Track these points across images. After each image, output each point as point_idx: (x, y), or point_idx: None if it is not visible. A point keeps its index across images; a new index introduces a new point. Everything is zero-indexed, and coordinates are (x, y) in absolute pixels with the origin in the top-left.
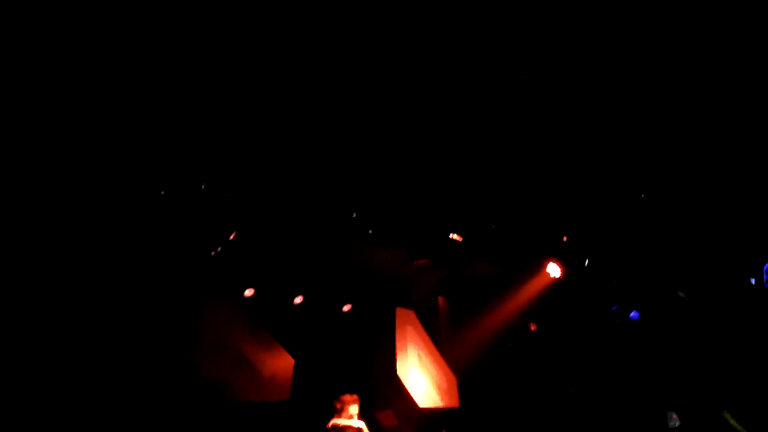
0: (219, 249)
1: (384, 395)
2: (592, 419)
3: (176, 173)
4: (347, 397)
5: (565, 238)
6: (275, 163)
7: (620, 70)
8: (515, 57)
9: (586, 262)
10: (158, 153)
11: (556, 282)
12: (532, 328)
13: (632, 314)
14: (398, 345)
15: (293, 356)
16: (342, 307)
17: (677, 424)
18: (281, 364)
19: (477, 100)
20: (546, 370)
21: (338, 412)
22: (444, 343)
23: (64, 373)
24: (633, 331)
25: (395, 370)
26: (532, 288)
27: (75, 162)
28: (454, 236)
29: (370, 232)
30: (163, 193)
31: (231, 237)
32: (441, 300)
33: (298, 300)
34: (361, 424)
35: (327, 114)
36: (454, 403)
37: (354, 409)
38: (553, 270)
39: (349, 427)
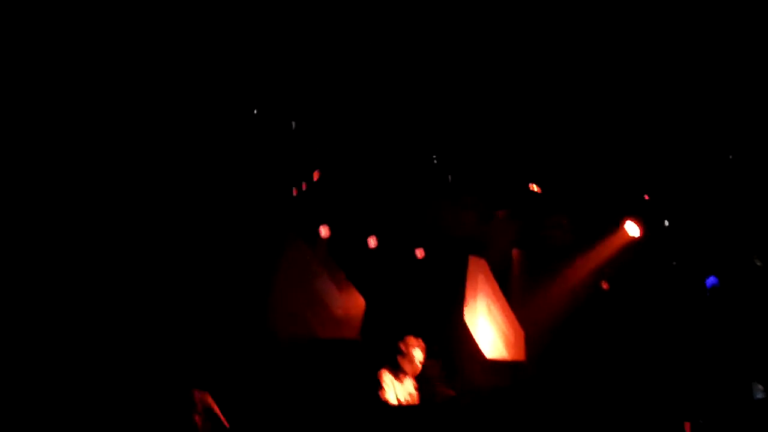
0: (303, 188)
1: (451, 343)
2: (664, 386)
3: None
4: (412, 340)
5: (646, 197)
6: (358, 104)
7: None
8: None
9: (666, 223)
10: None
11: (634, 242)
12: (604, 286)
13: (709, 280)
14: (468, 293)
15: (365, 297)
16: (415, 252)
17: (763, 395)
18: (353, 304)
19: (562, 47)
20: (615, 330)
21: (402, 355)
22: (515, 296)
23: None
24: (710, 298)
25: (463, 318)
26: (609, 246)
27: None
28: (534, 187)
29: (450, 178)
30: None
31: (315, 177)
32: (515, 252)
33: (373, 243)
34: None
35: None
36: (521, 356)
37: (418, 353)
38: (632, 229)
39: (404, 374)
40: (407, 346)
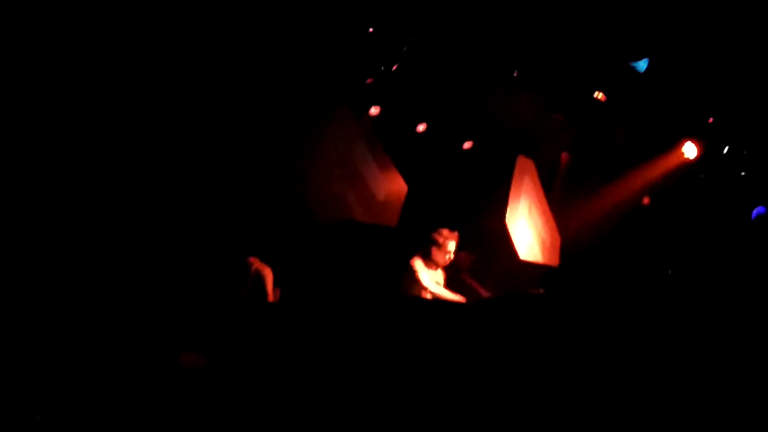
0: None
1: (487, 240)
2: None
3: None
4: (447, 233)
5: (711, 120)
6: None
7: None
8: None
9: (726, 149)
10: None
11: (690, 163)
12: (645, 202)
13: (757, 209)
14: (512, 193)
15: (407, 183)
16: (464, 143)
17: None
18: (394, 188)
19: None
20: (650, 247)
21: (437, 246)
22: (557, 201)
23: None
24: (754, 226)
25: (504, 217)
26: (663, 165)
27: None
28: (599, 95)
29: (515, 74)
30: None
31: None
32: (564, 157)
33: (422, 128)
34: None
35: None
36: (554, 262)
37: (452, 245)
38: (690, 150)
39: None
40: (442, 237)
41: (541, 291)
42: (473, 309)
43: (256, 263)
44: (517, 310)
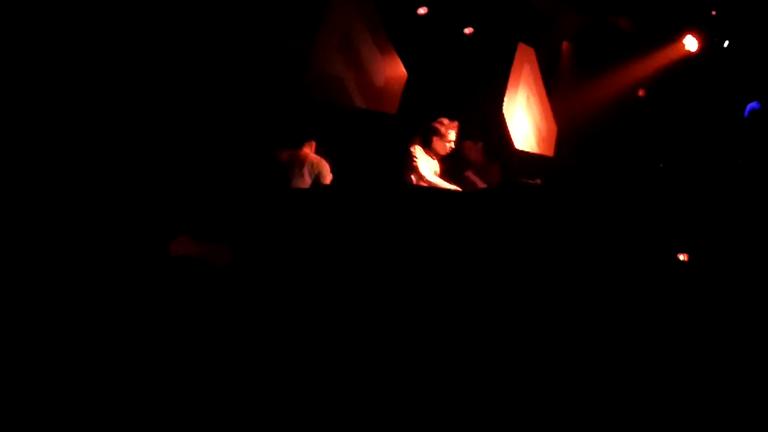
0: None
1: (484, 128)
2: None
3: None
4: (447, 122)
5: (714, 12)
6: None
7: None
8: None
9: (726, 43)
10: None
11: (690, 56)
12: (640, 93)
13: (751, 104)
14: (511, 81)
15: (407, 69)
16: (465, 28)
17: None
18: (394, 74)
19: None
20: (643, 139)
21: (438, 135)
22: (556, 91)
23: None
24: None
25: (501, 106)
26: (664, 56)
27: None
28: None
29: None
30: None
31: None
32: (566, 45)
33: (422, 11)
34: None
35: None
36: (549, 152)
37: (452, 134)
38: (690, 43)
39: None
40: (443, 126)
41: (539, 181)
42: (469, 198)
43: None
44: (513, 200)
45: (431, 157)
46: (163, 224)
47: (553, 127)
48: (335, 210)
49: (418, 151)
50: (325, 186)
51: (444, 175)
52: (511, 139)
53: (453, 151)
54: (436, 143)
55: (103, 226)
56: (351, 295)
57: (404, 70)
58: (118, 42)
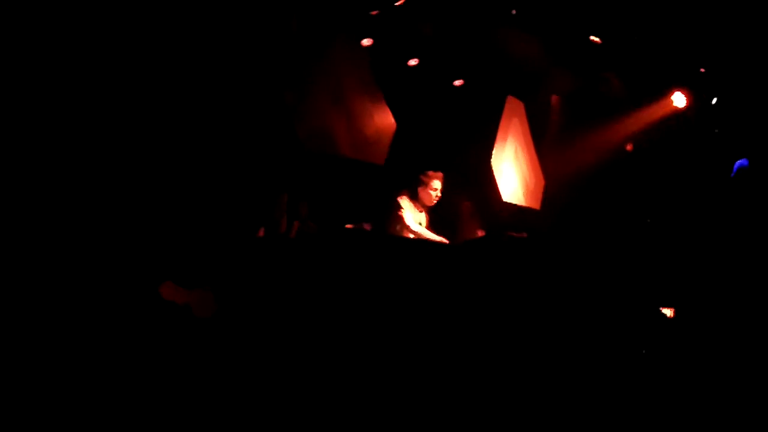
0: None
1: (471, 180)
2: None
3: None
4: (432, 173)
5: (702, 69)
6: None
7: None
8: None
9: (714, 100)
10: None
11: (678, 112)
12: (628, 148)
13: (739, 162)
14: (499, 134)
15: (397, 120)
16: (455, 80)
17: None
18: (384, 124)
19: None
20: (631, 194)
21: (422, 185)
22: (544, 144)
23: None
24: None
25: (490, 158)
26: (652, 112)
27: None
28: (595, 39)
29: (514, 12)
30: None
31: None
32: (555, 99)
33: (413, 62)
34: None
35: None
36: (536, 205)
37: (437, 184)
38: (679, 100)
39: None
40: (428, 177)
41: (525, 235)
42: (455, 250)
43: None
44: (500, 253)
45: (418, 209)
46: (151, 266)
47: (541, 181)
48: (322, 258)
49: (404, 201)
50: (313, 234)
51: (430, 227)
52: (498, 191)
53: (440, 202)
54: (422, 194)
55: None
56: (337, 344)
57: (393, 121)
58: (112, 58)
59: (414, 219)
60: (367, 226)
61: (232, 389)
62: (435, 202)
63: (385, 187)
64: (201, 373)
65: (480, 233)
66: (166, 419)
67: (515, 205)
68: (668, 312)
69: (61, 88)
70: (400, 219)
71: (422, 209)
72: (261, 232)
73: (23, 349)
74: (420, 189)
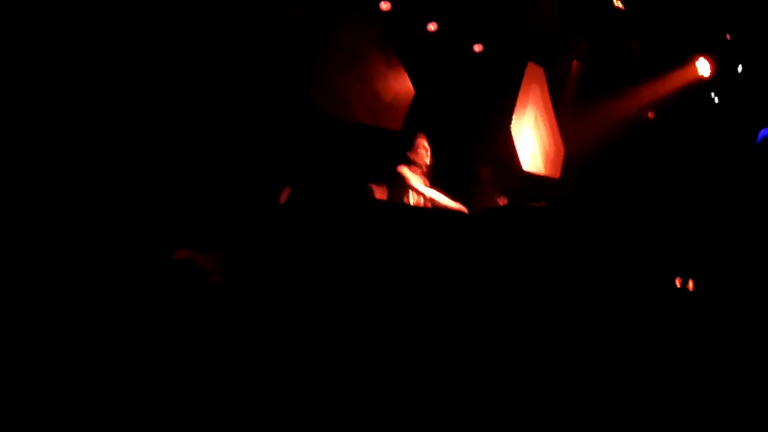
0: None
1: (490, 147)
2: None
3: None
4: (415, 135)
5: (728, 36)
6: None
7: None
8: None
9: (740, 67)
10: None
11: (702, 81)
12: (650, 116)
13: (764, 131)
14: (519, 100)
15: (415, 86)
16: (474, 45)
17: None
18: (401, 90)
19: None
20: (651, 163)
21: (410, 149)
22: (565, 111)
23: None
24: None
25: (509, 125)
26: (675, 80)
27: None
28: (617, 3)
29: None
30: None
31: None
32: (575, 65)
33: (432, 27)
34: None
35: None
36: (556, 174)
37: (423, 142)
38: (703, 67)
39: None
40: (412, 140)
41: (543, 204)
42: (474, 219)
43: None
44: (519, 222)
45: (417, 173)
46: (163, 233)
47: (561, 149)
48: (337, 226)
49: (405, 170)
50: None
51: (445, 192)
52: (518, 158)
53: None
54: (414, 157)
55: (102, 231)
56: (350, 313)
57: (411, 87)
58: (116, 47)
59: (421, 183)
60: (379, 195)
61: (240, 370)
62: (428, 160)
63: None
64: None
65: (501, 201)
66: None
67: (534, 173)
68: (684, 283)
69: (74, 85)
70: (412, 188)
71: (420, 172)
72: (283, 198)
73: (26, 327)
74: (409, 153)
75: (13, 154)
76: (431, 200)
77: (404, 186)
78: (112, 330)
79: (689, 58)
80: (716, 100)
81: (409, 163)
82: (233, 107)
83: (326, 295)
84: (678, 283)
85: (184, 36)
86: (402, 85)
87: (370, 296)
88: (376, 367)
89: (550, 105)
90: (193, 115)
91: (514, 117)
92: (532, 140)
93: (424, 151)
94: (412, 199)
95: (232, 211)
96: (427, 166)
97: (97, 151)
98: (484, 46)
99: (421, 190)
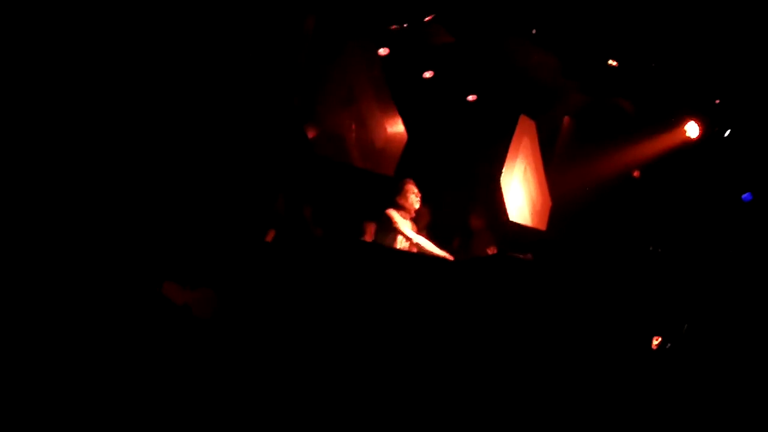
0: None
1: (478, 198)
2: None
3: None
4: (404, 181)
5: (717, 101)
6: None
7: None
8: None
9: (728, 132)
10: None
11: (690, 143)
12: (636, 175)
13: (744, 196)
14: (510, 152)
15: (408, 131)
16: (468, 95)
17: None
18: (395, 136)
19: None
20: (637, 222)
21: (398, 193)
22: (553, 165)
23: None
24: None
25: (499, 176)
26: (663, 141)
27: None
28: (612, 62)
29: (534, 32)
30: None
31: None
32: (566, 120)
33: (428, 74)
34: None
35: None
36: (542, 226)
37: (412, 188)
38: (692, 130)
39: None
40: (402, 185)
41: (530, 256)
42: (458, 267)
43: None
44: (504, 272)
45: (405, 218)
46: (151, 265)
47: (548, 202)
48: (325, 267)
49: (394, 214)
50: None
51: (431, 238)
52: (505, 209)
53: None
54: (403, 202)
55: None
56: (333, 353)
57: (404, 132)
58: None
59: (408, 229)
60: (368, 237)
61: (229, 390)
62: (417, 205)
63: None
64: (199, 374)
65: (490, 251)
66: (164, 419)
67: (521, 225)
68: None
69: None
70: (399, 231)
71: (408, 217)
72: (270, 236)
73: (22, 353)
74: (399, 198)
75: (10, 160)
76: (417, 245)
77: (392, 229)
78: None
79: (679, 120)
80: (702, 161)
81: (398, 207)
82: (228, 137)
83: (309, 334)
84: (655, 342)
85: (187, 60)
86: (395, 129)
87: (352, 334)
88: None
89: (539, 158)
90: (188, 146)
91: (504, 168)
92: (520, 192)
93: (413, 197)
94: (399, 243)
95: (220, 246)
96: (416, 212)
97: (99, 161)
98: (478, 96)
99: (408, 235)
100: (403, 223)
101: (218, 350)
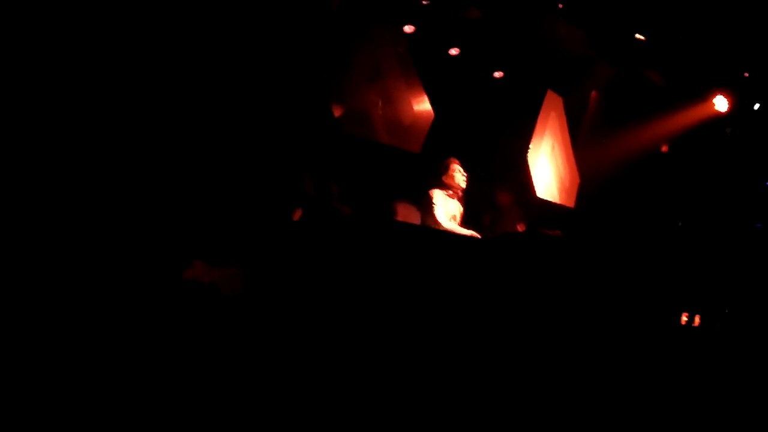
0: None
1: (506, 174)
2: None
3: None
4: (447, 160)
5: (747, 74)
6: None
7: None
8: None
9: (757, 106)
10: None
11: (719, 117)
12: (664, 149)
13: None
14: (537, 129)
15: (434, 109)
16: (495, 72)
17: None
18: (422, 113)
19: None
20: (665, 197)
21: (444, 172)
22: (581, 140)
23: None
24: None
25: (526, 153)
26: (692, 114)
27: None
28: (640, 36)
29: (560, 6)
30: None
31: None
32: (594, 95)
33: (454, 51)
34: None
35: None
36: (570, 203)
37: (456, 167)
38: (721, 103)
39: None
40: (446, 164)
41: (558, 233)
42: (486, 244)
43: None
44: (532, 250)
45: (451, 197)
46: (178, 244)
47: (576, 178)
48: (351, 245)
49: (437, 194)
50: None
51: (464, 219)
52: (533, 187)
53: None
54: (449, 181)
55: (113, 242)
56: (360, 334)
57: (431, 110)
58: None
59: (447, 211)
60: (400, 214)
61: (257, 372)
62: (464, 183)
63: (420, 176)
64: (226, 354)
65: (520, 227)
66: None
67: (549, 201)
68: (694, 319)
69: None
70: (432, 214)
71: (455, 196)
72: (297, 216)
73: (32, 323)
74: (444, 178)
75: (13, 162)
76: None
77: (429, 210)
78: (116, 337)
79: (707, 94)
80: (730, 135)
81: (444, 187)
82: (254, 116)
83: (336, 313)
84: (684, 318)
85: (203, 48)
86: (422, 107)
87: (377, 314)
88: (382, 388)
89: (567, 133)
90: (214, 125)
91: (531, 145)
92: (548, 169)
93: (459, 174)
94: (432, 223)
95: (248, 225)
96: (462, 190)
97: (116, 156)
98: (504, 73)
99: (441, 221)
100: (446, 203)
101: (246, 330)
